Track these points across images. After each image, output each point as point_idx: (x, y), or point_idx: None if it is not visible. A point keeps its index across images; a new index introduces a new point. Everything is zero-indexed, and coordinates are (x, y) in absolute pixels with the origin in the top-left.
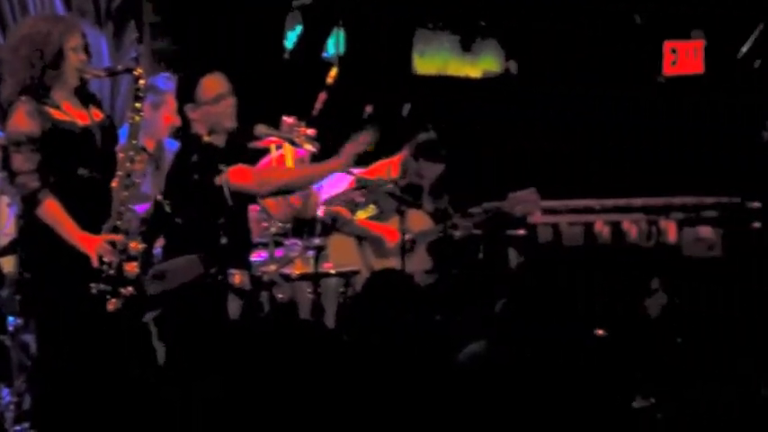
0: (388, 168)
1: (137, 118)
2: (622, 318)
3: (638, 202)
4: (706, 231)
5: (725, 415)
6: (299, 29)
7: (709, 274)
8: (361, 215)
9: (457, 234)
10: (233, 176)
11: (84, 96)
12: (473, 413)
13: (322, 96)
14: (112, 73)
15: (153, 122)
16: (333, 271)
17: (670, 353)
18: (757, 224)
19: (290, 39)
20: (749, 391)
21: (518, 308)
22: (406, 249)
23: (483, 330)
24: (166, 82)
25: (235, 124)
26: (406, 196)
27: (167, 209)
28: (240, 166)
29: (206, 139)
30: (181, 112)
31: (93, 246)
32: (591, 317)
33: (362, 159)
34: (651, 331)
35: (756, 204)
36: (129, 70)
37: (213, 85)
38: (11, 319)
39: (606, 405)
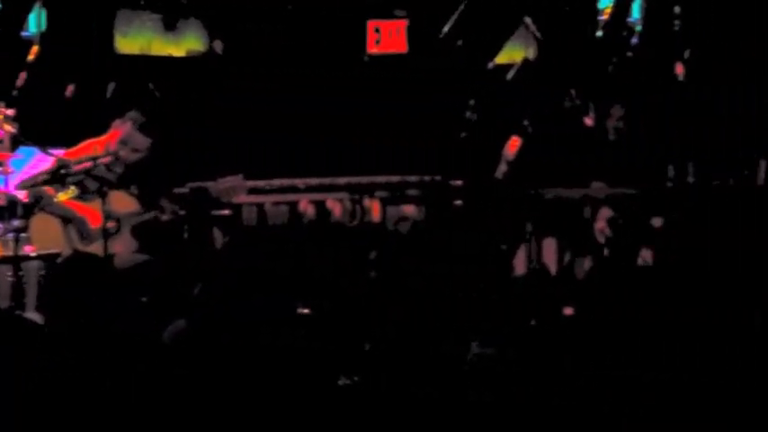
0: (95, 148)
1: None
2: (329, 294)
3: (342, 180)
4: (409, 209)
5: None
6: None
7: (413, 251)
8: (62, 197)
9: (162, 216)
10: None
11: None
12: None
13: (22, 75)
14: None
15: None
16: (33, 254)
17: (379, 327)
18: (459, 202)
19: None
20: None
21: (223, 286)
22: (110, 231)
23: (186, 309)
24: None
25: None
26: (110, 177)
27: None
28: None
29: None
30: None
31: None
32: (296, 294)
33: (66, 139)
34: (360, 307)
35: (458, 182)
36: None
37: None
38: None
39: (311, 379)
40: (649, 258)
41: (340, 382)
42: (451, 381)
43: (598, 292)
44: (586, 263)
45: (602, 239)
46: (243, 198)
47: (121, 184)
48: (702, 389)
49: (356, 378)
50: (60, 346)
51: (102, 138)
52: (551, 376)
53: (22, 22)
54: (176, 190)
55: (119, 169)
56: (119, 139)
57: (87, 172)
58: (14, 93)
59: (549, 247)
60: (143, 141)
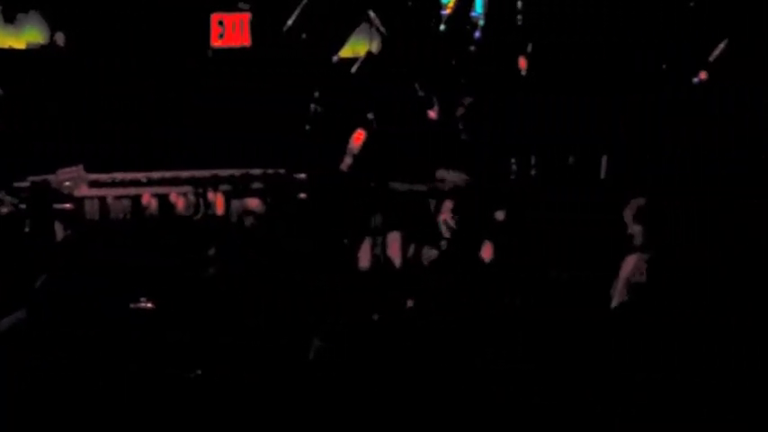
0: None
1: None
2: (175, 288)
3: (185, 174)
4: (253, 203)
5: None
6: None
7: (257, 244)
8: None
9: (2, 210)
10: None
11: None
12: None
13: None
14: None
15: None
16: None
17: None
18: (303, 195)
19: None
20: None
21: (63, 280)
22: None
23: (23, 302)
24: None
25: None
26: None
27: None
28: None
29: None
30: None
31: None
32: (140, 287)
33: None
34: (204, 301)
35: (303, 175)
36: None
37: None
38: None
39: (155, 372)
40: (491, 251)
41: (185, 376)
42: (294, 375)
43: (441, 284)
44: (430, 255)
45: (445, 232)
46: (85, 191)
47: None
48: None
49: (199, 372)
50: None
51: None
52: (394, 369)
53: None
54: (16, 183)
55: None
56: None
57: None
58: None
59: (394, 241)
60: None
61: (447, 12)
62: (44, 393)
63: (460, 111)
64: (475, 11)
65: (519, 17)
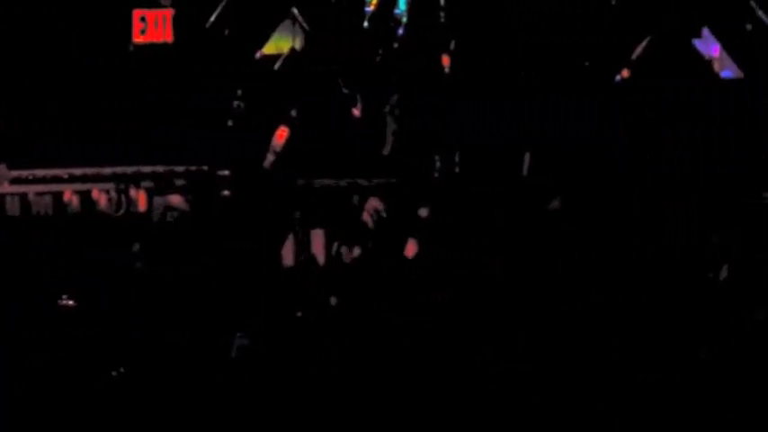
0: None
1: None
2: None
3: (107, 170)
4: (176, 200)
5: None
6: None
7: (179, 242)
8: None
9: None
10: None
11: None
12: None
13: None
14: None
15: None
16: None
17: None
18: (227, 192)
19: None
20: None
21: None
22: None
23: None
24: None
25: None
26: None
27: None
28: None
29: None
30: None
31: None
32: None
33: None
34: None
35: (226, 172)
36: None
37: None
38: None
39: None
40: (415, 248)
41: (109, 373)
42: (216, 373)
43: (364, 281)
44: (353, 252)
45: (369, 229)
46: (5, 188)
47: None
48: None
49: (122, 370)
50: None
51: None
52: (316, 367)
53: None
54: None
55: None
56: None
57: None
58: None
59: (318, 238)
60: None
61: (370, 9)
62: None
63: (384, 108)
64: (398, 8)
65: (442, 14)
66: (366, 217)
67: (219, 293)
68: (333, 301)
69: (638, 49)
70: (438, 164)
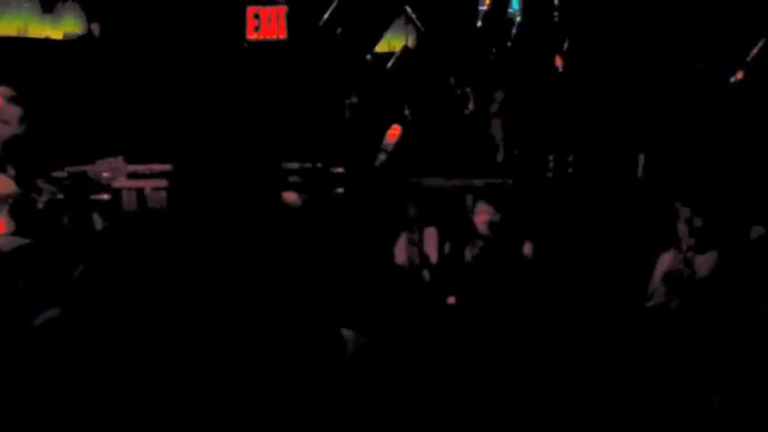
0: None
1: None
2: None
3: None
4: (290, 197)
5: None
6: None
7: (296, 238)
8: None
9: (41, 199)
10: None
11: None
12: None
13: None
14: None
15: None
16: None
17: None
18: (340, 189)
19: None
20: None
21: (101, 272)
22: None
23: (60, 295)
24: None
25: None
26: None
27: None
28: None
29: None
30: None
31: None
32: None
33: None
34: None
35: (340, 170)
36: None
37: None
38: None
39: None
40: (529, 250)
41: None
42: (327, 370)
43: (480, 281)
44: (468, 252)
45: (482, 229)
46: (123, 182)
47: None
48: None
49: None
50: None
51: None
52: (432, 366)
53: None
54: (55, 174)
55: None
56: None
57: None
58: None
59: (431, 236)
60: (14, 113)
61: (484, 8)
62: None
63: (495, 107)
64: (512, 7)
65: (555, 14)
66: (478, 217)
67: (333, 290)
68: (447, 299)
69: (754, 51)
70: (552, 164)
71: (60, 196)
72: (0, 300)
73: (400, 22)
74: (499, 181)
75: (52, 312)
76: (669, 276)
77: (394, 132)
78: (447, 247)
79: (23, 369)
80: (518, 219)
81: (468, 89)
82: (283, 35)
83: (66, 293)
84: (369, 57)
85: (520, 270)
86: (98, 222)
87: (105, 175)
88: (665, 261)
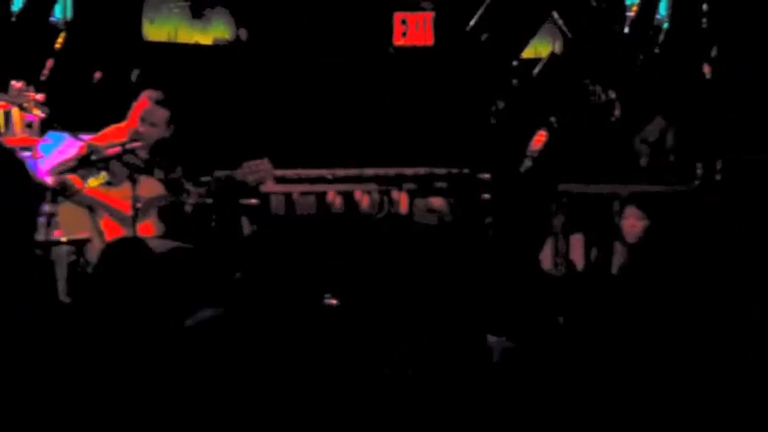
0: (120, 133)
1: None
2: (355, 286)
3: (370, 172)
4: (437, 202)
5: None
6: None
7: (439, 245)
8: (93, 182)
9: (189, 202)
10: None
11: None
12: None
13: (50, 62)
14: None
15: None
16: (63, 239)
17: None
18: (487, 195)
19: (17, 2)
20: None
21: (250, 277)
22: (137, 217)
23: (218, 299)
24: None
25: None
26: (138, 162)
27: None
28: None
29: None
30: None
31: None
32: (324, 286)
33: (95, 125)
34: (387, 300)
35: (486, 176)
36: None
37: None
38: None
39: (340, 372)
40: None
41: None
42: (475, 374)
43: (629, 290)
44: (616, 260)
45: (630, 238)
46: (271, 187)
47: (148, 169)
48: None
49: (387, 371)
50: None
51: (125, 123)
52: (579, 374)
53: (49, 8)
54: (203, 178)
55: (144, 154)
56: (138, 116)
57: (115, 157)
58: (43, 78)
59: (577, 243)
60: (161, 115)
61: (631, 14)
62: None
63: (641, 114)
64: (659, 13)
65: (704, 20)
66: (626, 224)
67: (476, 296)
68: (592, 306)
69: None
70: (699, 172)
71: (208, 200)
72: (150, 300)
73: (547, 27)
74: (647, 188)
75: (207, 313)
76: None
77: (540, 138)
78: (593, 254)
79: (178, 369)
80: (665, 226)
81: (614, 95)
82: (430, 41)
83: (219, 295)
84: (515, 63)
85: (669, 278)
86: (246, 227)
87: (252, 178)
88: None
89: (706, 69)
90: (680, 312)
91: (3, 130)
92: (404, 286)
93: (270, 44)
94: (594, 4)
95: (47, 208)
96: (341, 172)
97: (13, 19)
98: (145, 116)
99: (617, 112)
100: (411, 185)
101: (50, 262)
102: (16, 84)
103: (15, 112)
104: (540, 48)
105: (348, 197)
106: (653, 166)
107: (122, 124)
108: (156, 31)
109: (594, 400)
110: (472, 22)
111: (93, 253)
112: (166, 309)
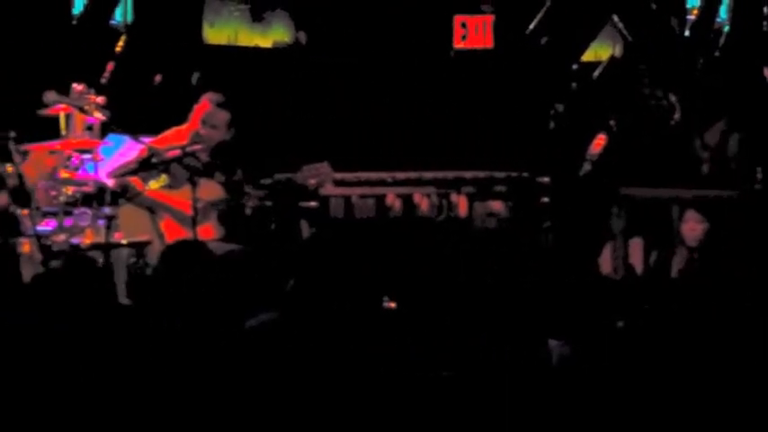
0: (180, 136)
1: None
2: (415, 290)
3: (429, 175)
4: (496, 205)
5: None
6: None
7: (498, 248)
8: (154, 185)
9: (249, 204)
10: None
11: None
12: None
13: (110, 65)
14: None
15: None
16: (124, 241)
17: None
18: (546, 199)
19: (78, 5)
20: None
21: (309, 279)
22: (197, 219)
23: (276, 301)
24: None
25: None
26: (198, 165)
27: None
28: None
29: None
30: None
31: None
32: (382, 289)
33: (155, 127)
34: (445, 303)
35: (546, 179)
36: None
37: None
38: None
39: (397, 376)
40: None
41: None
42: (532, 379)
43: (689, 294)
44: (675, 264)
45: (690, 242)
46: (330, 190)
47: (208, 171)
48: None
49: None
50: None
51: (186, 125)
52: (638, 378)
53: (110, 12)
54: (263, 181)
55: (205, 156)
56: (199, 118)
57: (176, 160)
58: (103, 81)
59: (636, 247)
60: (222, 118)
61: (692, 17)
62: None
63: (702, 118)
64: (720, 16)
65: (765, 24)
66: (686, 229)
67: (535, 300)
68: (651, 310)
69: None
70: (759, 176)
71: (268, 203)
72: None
73: (607, 30)
74: (707, 192)
75: (268, 315)
76: None
77: (599, 142)
78: (653, 258)
79: (238, 369)
80: (725, 230)
81: (674, 99)
82: (489, 44)
83: (278, 298)
84: (575, 66)
85: (729, 282)
86: (305, 229)
87: (312, 181)
88: None
89: (767, 73)
90: (739, 316)
91: (64, 133)
92: (463, 290)
93: (329, 47)
94: (655, 6)
95: (107, 210)
96: (400, 175)
97: (74, 22)
98: (206, 119)
99: (677, 116)
100: (470, 189)
101: (110, 264)
102: (77, 87)
103: (76, 114)
104: (600, 51)
105: (407, 200)
106: (713, 169)
107: (183, 127)
108: (216, 34)
109: (653, 405)
110: (532, 26)
111: (153, 255)
112: (226, 311)
